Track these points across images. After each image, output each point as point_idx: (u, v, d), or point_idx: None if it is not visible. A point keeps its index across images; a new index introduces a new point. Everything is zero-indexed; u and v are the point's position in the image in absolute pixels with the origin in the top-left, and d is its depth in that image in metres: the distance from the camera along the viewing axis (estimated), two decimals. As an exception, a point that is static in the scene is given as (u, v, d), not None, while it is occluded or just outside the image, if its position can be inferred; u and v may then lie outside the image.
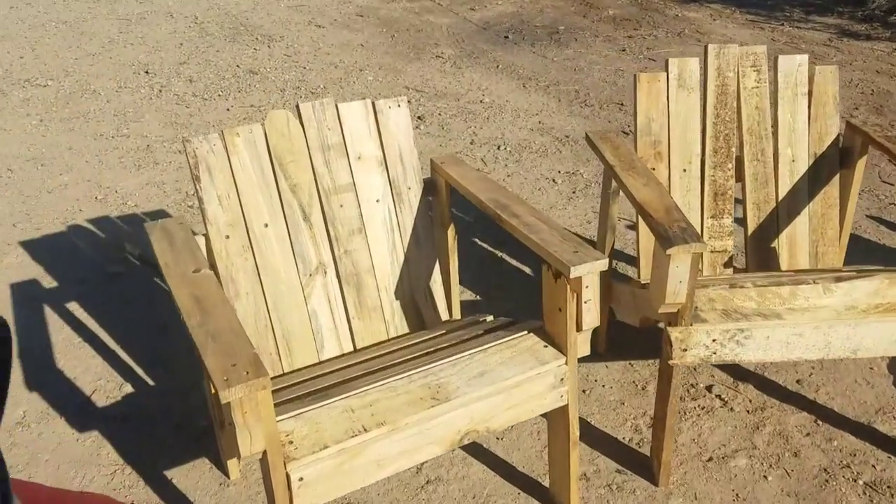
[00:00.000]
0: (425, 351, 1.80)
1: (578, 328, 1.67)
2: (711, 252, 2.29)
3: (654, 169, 2.25)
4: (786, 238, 2.31)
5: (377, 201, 2.00)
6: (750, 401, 2.30)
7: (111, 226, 3.28)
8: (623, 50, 5.46)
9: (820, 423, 2.23)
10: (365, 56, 5.33)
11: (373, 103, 2.00)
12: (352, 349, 1.99)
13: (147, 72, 5.03)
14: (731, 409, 2.27)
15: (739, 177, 2.30)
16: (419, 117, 4.35)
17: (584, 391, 2.35)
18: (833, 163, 2.30)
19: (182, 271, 1.62)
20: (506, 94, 4.72)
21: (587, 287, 1.63)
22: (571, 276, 1.58)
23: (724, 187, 2.28)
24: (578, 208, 3.41)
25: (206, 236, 1.82)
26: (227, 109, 4.45)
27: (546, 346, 1.72)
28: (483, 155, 3.92)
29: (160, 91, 4.72)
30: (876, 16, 6.07)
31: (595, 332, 2.49)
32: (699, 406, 2.28)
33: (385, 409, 1.54)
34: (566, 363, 1.69)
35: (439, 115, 4.40)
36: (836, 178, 2.31)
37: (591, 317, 1.66)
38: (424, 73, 5.06)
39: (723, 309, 1.85)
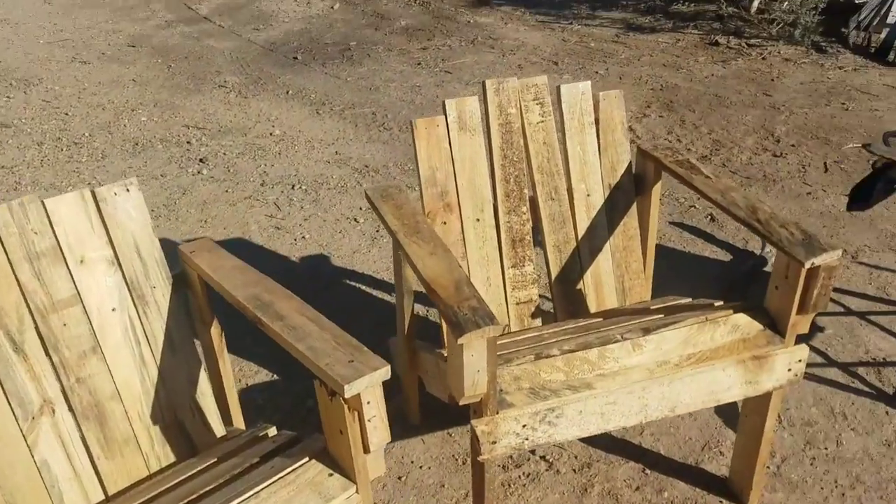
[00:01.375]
0: (188, 500, 1.46)
1: (366, 450, 1.40)
2: (517, 304, 2.10)
3: (445, 223, 2.01)
4: (591, 277, 2.15)
5: (113, 310, 1.64)
6: (576, 457, 2.13)
7: None
8: (419, 63, 5.27)
9: (648, 472, 2.09)
10: (138, 93, 4.81)
11: (92, 193, 1.62)
12: (102, 497, 1.62)
13: None
14: (558, 471, 2.09)
15: (536, 219, 2.12)
16: (201, 160, 3.93)
17: (399, 478, 2.09)
18: (628, 192, 2.17)
19: None
20: (298, 123, 4.39)
21: (369, 403, 1.36)
22: (347, 395, 1.31)
23: (522, 232, 2.09)
24: (384, 249, 3.15)
25: None
26: (-29, 173, 3.83)
27: (332, 475, 1.43)
28: (276, 197, 3.57)
29: None
30: (657, 6, 6.25)
31: (407, 402, 2.25)
32: (524, 474, 2.08)
33: None
34: (356, 491, 1.42)
35: (224, 154, 4.00)
36: (633, 207, 2.18)
37: (379, 435, 1.40)
38: (206, 106, 4.62)
39: (530, 387, 1.64)
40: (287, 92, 4.83)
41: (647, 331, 1.77)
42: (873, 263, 2.95)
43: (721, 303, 1.97)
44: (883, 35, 5.14)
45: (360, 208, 3.46)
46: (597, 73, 5.00)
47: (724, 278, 2.88)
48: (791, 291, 1.73)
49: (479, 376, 1.51)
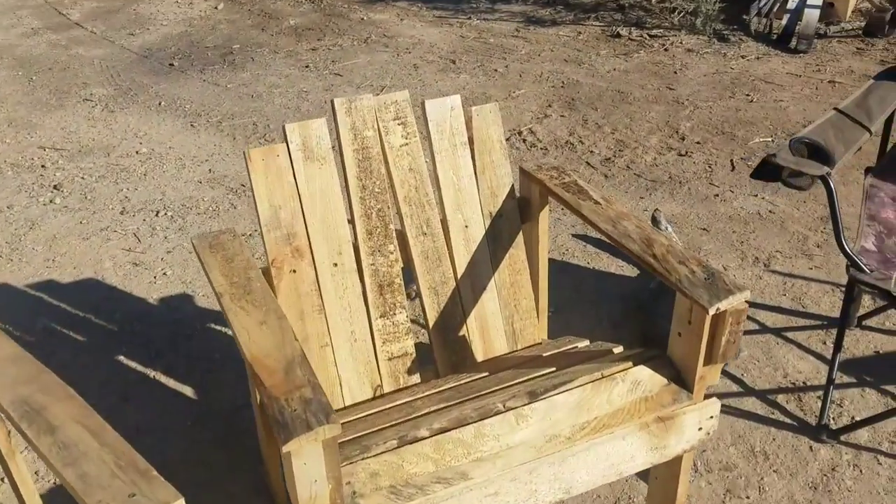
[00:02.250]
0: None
1: None
2: (389, 360, 1.79)
3: (294, 271, 1.69)
4: (475, 321, 1.86)
5: None
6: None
7: None
8: (307, 66, 4.90)
9: (550, 543, 1.81)
10: (-12, 111, 4.30)
11: None
12: None
13: None
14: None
15: (407, 258, 1.81)
16: (55, 187, 3.49)
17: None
18: (512, 219, 1.89)
19: None
20: (169, 138, 3.97)
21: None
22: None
23: (390, 275, 1.78)
24: (256, 283, 2.79)
25: None
26: None
27: None
28: (136, 227, 3.17)
29: None
30: (557, -2, 6.02)
31: (269, 477, 1.91)
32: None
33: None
34: None
35: (82, 179, 3.57)
36: (520, 237, 1.89)
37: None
38: (68, 123, 4.16)
39: (390, 486, 1.33)
40: (159, 103, 4.40)
41: (533, 395, 1.49)
42: (786, 271, 2.75)
43: (620, 349, 1.71)
44: (784, 21, 5.02)
45: (233, 236, 3.09)
46: (496, 70, 4.73)
47: (630, 297, 2.64)
48: (696, 339, 1.47)
49: (318, 487, 1.20)
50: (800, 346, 2.41)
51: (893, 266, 1.96)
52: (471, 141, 1.84)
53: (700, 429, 1.53)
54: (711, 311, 1.39)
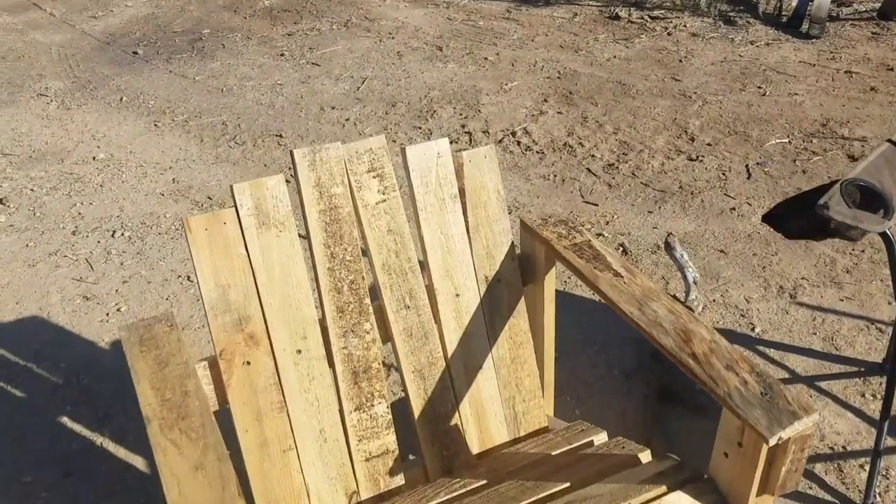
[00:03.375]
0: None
1: None
2: (367, 460, 1.49)
3: (248, 363, 1.38)
4: (469, 407, 1.56)
5: None
6: None
7: None
8: (282, 54, 4.53)
9: None
10: (-69, 110, 3.93)
11: None
12: None
13: None
14: None
15: (386, 336, 1.50)
16: (0, 201, 3.14)
17: None
18: (513, 284, 1.58)
19: None
20: (130, 140, 3.62)
21: None
22: None
23: (367, 359, 1.47)
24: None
25: None
26: None
27: None
28: (89, 251, 2.84)
29: None
30: (551, -24, 5.64)
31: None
32: None
33: None
34: None
35: (32, 191, 3.22)
36: (521, 304, 1.59)
37: None
38: (19, 123, 3.80)
39: None
40: (121, 99, 4.04)
41: (543, 533, 1.19)
42: (815, 304, 2.46)
43: (647, 455, 1.41)
44: (794, 2, 4.68)
45: (196, 261, 2.77)
46: (486, 58, 4.37)
47: (643, 340, 2.34)
48: (748, 466, 1.18)
49: None
50: (836, 399, 2.12)
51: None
52: (461, 192, 1.52)
53: (748, 566, 1.24)
54: (772, 442, 1.09)
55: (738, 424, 1.16)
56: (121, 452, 2.06)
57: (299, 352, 1.42)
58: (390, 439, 1.50)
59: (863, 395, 2.13)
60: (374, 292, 1.50)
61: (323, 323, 1.45)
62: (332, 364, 1.45)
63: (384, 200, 1.47)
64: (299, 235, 1.40)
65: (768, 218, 1.88)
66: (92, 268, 2.76)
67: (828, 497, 1.87)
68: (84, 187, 3.25)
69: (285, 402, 1.41)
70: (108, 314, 2.54)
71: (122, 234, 2.94)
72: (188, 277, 2.69)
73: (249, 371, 1.38)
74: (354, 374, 1.47)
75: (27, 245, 2.89)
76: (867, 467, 1.91)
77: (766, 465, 1.17)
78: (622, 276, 1.41)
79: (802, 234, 1.79)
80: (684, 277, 2.32)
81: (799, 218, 1.78)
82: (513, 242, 1.57)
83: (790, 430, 1.10)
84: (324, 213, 1.43)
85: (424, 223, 1.50)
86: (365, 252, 1.46)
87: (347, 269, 1.45)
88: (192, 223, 1.34)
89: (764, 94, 3.83)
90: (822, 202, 1.57)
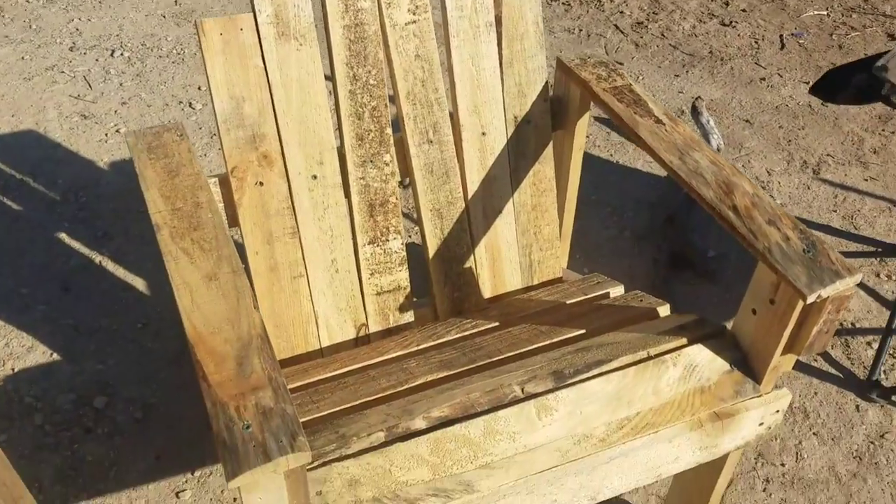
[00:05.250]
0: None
1: None
2: (377, 294, 1.45)
3: (261, 184, 1.31)
4: (485, 251, 1.51)
5: None
6: None
7: None
8: None
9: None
10: None
11: None
12: None
13: None
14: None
15: (406, 171, 1.43)
16: (-7, 10, 2.96)
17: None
18: (542, 127, 1.49)
19: None
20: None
21: None
22: None
23: (384, 192, 1.40)
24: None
25: None
26: None
27: None
28: (88, 69, 2.71)
29: None
30: None
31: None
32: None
33: None
34: None
35: (28, 1, 3.04)
36: (549, 149, 1.50)
37: None
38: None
39: (374, 496, 1.03)
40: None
41: (559, 377, 1.16)
42: (838, 182, 2.39)
43: (666, 308, 1.38)
44: None
45: (199, 88, 2.65)
46: None
47: (659, 204, 2.28)
48: (777, 324, 1.14)
49: (275, 527, 0.89)
50: (849, 277, 2.09)
51: None
52: (498, 21, 1.41)
53: (761, 423, 1.23)
54: (811, 299, 1.05)
55: (773, 280, 1.11)
56: (120, 272, 2.02)
57: (315, 177, 1.35)
58: (403, 276, 1.45)
59: (878, 275, 2.10)
60: (396, 125, 1.41)
61: (341, 150, 1.36)
62: (347, 194, 1.38)
63: (414, 21, 1.35)
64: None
65: (817, 87, 1.79)
66: (90, 86, 2.64)
67: (832, 370, 1.86)
68: (82, 2, 3.07)
69: (298, 228, 1.35)
70: (106, 134, 2.44)
71: (122, 55, 2.79)
72: (190, 104, 2.58)
73: (262, 192, 1.31)
74: (370, 207, 1.40)
75: (22, 57, 2.75)
76: (874, 345, 1.90)
77: (797, 325, 1.13)
78: (664, 123, 1.32)
79: (848, 99, 1.70)
80: (708, 143, 2.23)
81: (847, 82, 1.68)
82: (546, 82, 1.47)
83: (831, 288, 1.05)
84: (348, 30, 1.31)
85: (455, 52, 1.39)
86: (390, 77, 1.36)
87: (370, 93, 1.35)
88: (205, 26, 1.23)
89: (807, -39, 3.60)
90: (880, 63, 1.47)
